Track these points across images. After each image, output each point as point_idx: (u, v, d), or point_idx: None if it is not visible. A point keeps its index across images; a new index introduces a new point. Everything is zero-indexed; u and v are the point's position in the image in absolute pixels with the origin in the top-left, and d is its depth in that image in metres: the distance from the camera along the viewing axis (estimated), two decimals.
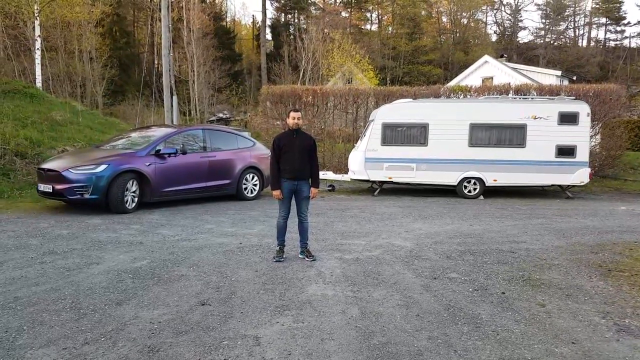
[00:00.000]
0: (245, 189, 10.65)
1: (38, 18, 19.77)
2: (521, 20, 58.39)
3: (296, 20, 52.56)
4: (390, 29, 52.19)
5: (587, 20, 55.61)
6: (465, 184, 11.95)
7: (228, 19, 52.98)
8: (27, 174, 10.79)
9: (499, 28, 56.93)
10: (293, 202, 5.68)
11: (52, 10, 22.24)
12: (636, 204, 11.44)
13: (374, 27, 56.51)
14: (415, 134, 11.96)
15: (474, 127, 11.78)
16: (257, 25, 50.90)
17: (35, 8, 19.53)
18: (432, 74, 42.10)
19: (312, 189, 5.67)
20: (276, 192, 5.59)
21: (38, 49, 19.85)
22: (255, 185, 10.84)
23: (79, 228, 7.11)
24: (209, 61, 31.73)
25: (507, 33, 55.02)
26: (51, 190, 8.22)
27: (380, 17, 57.11)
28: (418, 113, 12.07)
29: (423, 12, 51.42)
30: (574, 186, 12.28)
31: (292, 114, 5.57)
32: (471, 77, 24.93)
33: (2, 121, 12.32)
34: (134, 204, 8.65)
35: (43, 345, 3.28)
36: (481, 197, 11.87)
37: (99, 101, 29.22)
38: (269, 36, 48.78)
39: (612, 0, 52.63)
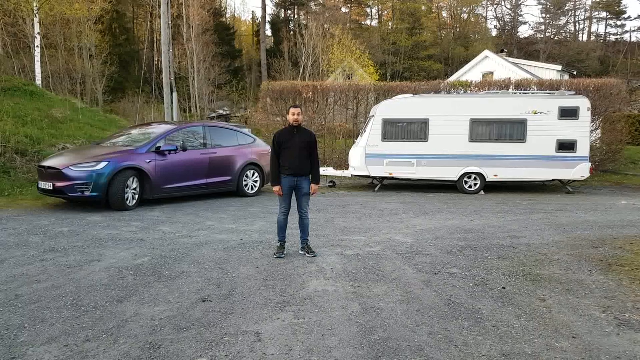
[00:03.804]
0: (246, 185, 10.66)
1: (37, 15, 19.73)
2: (521, 15, 58.35)
3: (296, 16, 52.40)
4: (390, 24, 52.02)
5: (588, 14, 55.43)
6: (466, 179, 11.94)
7: (228, 15, 52.80)
8: (28, 172, 10.79)
9: (499, 23, 56.75)
10: (294, 198, 5.68)
11: (52, 8, 22.19)
12: (637, 198, 11.43)
13: (374, 23, 56.39)
14: (416, 130, 11.94)
15: (475, 123, 11.75)
16: (257, 22, 50.80)
17: (35, 5, 19.48)
18: (432, 70, 41.94)
19: (312, 185, 5.67)
20: (276, 188, 5.59)
21: (38, 46, 19.82)
22: (255, 181, 10.84)
23: (80, 225, 7.12)
24: (209, 58, 31.64)
25: (508, 28, 54.81)
26: (52, 188, 8.23)
27: (380, 12, 56.95)
28: (418, 109, 12.06)
29: (423, 8, 51.21)
30: (574, 181, 12.27)
31: (292, 110, 5.56)
32: (472, 72, 24.89)
33: (3, 119, 12.32)
34: (134, 201, 8.65)
35: (44, 342, 3.29)
36: (482, 192, 11.86)
37: (99, 98, 29.17)
38: (268, 32, 48.66)
39: None
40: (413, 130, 11.96)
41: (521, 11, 57.06)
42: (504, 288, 4.56)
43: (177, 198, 9.64)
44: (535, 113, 11.60)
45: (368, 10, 57.06)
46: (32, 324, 3.57)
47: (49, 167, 8.41)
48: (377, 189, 12.48)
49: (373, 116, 12.31)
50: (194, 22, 31.08)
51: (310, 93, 16.77)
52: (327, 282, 4.68)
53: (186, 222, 7.54)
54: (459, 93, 15.46)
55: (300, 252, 5.72)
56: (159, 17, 17.55)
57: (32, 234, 6.47)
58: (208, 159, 9.90)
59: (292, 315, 3.82)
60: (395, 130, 11.97)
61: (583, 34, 56.33)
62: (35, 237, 6.33)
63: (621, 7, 52.82)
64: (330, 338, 3.42)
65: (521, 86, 15.53)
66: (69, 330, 3.47)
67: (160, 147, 9.08)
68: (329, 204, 9.89)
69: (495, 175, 11.81)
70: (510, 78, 16.62)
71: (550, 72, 24.08)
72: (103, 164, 8.26)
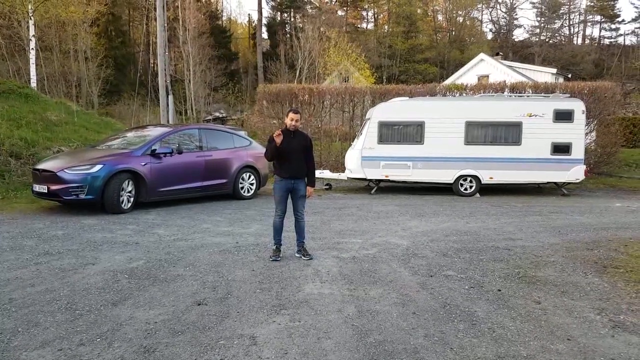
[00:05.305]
0: (242, 188, 10.64)
1: (32, 18, 19.65)
2: (516, 19, 58.69)
3: (292, 19, 52.48)
4: (386, 27, 52.20)
5: (582, 18, 55.80)
6: (461, 181, 11.97)
7: (224, 18, 52.84)
8: (22, 175, 10.73)
9: (494, 26, 56.98)
10: (289, 201, 5.68)
11: (47, 10, 22.09)
12: (631, 200, 11.49)
13: (370, 26, 56.54)
14: (412, 132, 11.97)
15: (470, 125, 11.79)
16: (253, 24, 50.83)
17: (30, 8, 19.40)
18: (428, 73, 42.08)
19: (308, 187, 5.67)
20: (276, 132, 5.38)
21: (33, 48, 19.73)
22: (251, 184, 10.82)
23: (75, 229, 7.08)
24: (205, 60, 31.66)
25: (503, 31, 55.05)
26: (46, 191, 8.18)
27: (376, 15, 57.12)
28: (414, 111, 12.09)
29: (419, 11, 51.38)
30: (569, 183, 12.31)
31: (291, 114, 5.52)
32: (467, 75, 24.98)
33: None
34: (129, 204, 8.61)
35: (38, 346, 3.26)
36: (477, 194, 11.89)
37: (95, 101, 29.13)
38: (265, 35, 48.75)
39: None
40: (409, 132, 11.99)
41: (516, 14, 57.53)
42: (499, 290, 4.57)
43: (172, 201, 9.60)
44: (530, 116, 11.66)
45: (364, 13, 57.25)
46: (26, 328, 3.55)
47: (44, 170, 8.37)
48: (373, 191, 12.49)
49: (369, 119, 12.33)
50: (190, 25, 31.11)
51: (307, 96, 16.78)
52: (323, 284, 4.67)
53: (181, 225, 7.52)
54: (454, 96, 15.51)
55: (296, 255, 5.71)
56: (155, 20, 17.54)
57: (26, 237, 6.43)
58: (204, 162, 9.88)
59: (288, 319, 3.81)
60: (391, 132, 11.99)
61: (577, 37, 56.74)
62: (30, 240, 6.29)
63: (615, 11, 53.22)
64: (325, 341, 3.41)
65: (516, 89, 15.59)
66: (63, 334, 3.45)
67: (155, 149, 9.05)
68: (325, 206, 9.89)
69: (491, 178, 11.84)
70: (505, 81, 16.71)
71: (545, 75, 24.23)
72: (98, 167, 8.23)
